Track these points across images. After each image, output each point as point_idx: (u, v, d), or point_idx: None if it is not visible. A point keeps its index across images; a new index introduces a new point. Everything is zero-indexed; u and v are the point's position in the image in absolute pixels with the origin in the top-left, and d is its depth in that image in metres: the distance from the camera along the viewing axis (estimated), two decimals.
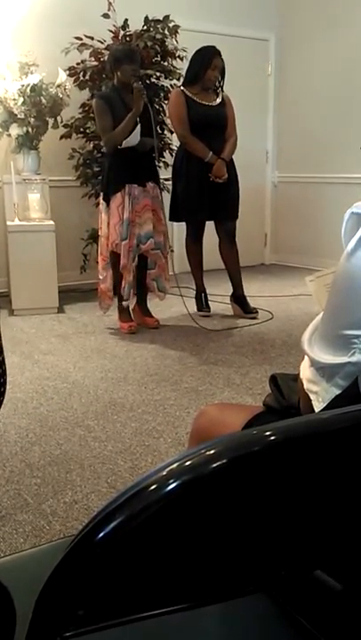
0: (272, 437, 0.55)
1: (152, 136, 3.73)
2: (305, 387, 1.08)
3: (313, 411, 1.06)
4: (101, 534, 0.51)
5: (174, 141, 4.48)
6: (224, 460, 0.52)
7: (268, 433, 0.55)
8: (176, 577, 0.56)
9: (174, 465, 0.52)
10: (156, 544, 0.53)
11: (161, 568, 0.55)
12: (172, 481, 0.51)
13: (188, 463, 0.52)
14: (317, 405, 1.05)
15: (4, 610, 0.60)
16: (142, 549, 0.53)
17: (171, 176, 4.31)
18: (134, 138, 3.70)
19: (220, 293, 4.56)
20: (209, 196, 4.11)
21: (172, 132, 4.51)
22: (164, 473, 0.52)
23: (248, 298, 4.38)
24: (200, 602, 0.59)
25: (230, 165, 4.16)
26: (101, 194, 3.97)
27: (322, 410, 1.05)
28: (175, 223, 4.52)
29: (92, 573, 0.53)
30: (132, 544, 0.52)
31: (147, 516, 0.51)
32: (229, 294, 4.43)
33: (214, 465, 0.52)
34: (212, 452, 0.53)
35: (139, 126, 3.70)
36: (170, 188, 4.32)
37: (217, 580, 0.58)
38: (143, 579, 0.54)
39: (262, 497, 0.57)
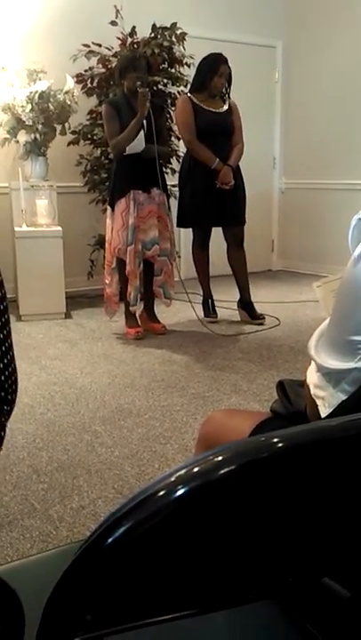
0: (280, 444, 0.55)
1: (158, 143, 3.74)
2: (312, 392, 1.09)
3: (320, 416, 1.06)
4: (110, 540, 0.52)
5: (181, 148, 4.49)
6: (232, 467, 0.52)
7: (275, 440, 0.55)
8: (183, 583, 0.56)
9: (182, 471, 0.52)
10: (164, 550, 0.54)
11: (169, 574, 0.55)
12: (180, 487, 0.51)
13: (196, 469, 0.52)
14: (324, 411, 1.05)
15: (13, 614, 0.60)
16: (150, 555, 0.53)
17: (178, 182, 4.33)
18: (139, 144, 3.72)
19: (227, 299, 4.56)
20: (215, 203, 4.12)
21: (179, 139, 4.52)
22: (173, 479, 0.52)
23: (255, 304, 4.38)
24: (207, 608, 0.60)
25: (237, 172, 4.16)
26: (107, 200, 3.99)
27: (328, 415, 1.05)
28: (182, 229, 4.53)
29: (101, 579, 0.53)
30: (141, 550, 0.53)
31: (155, 522, 0.51)
32: (236, 300, 4.43)
33: (222, 471, 0.52)
34: (220, 458, 0.53)
35: (142, 133, 3.72)
36: (177, 194, 4.34)
37: (224, 587, 0.58)
38: (151, 584, 0.54)
39: (270, 503, 0.57)
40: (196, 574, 0.57)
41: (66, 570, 0.55)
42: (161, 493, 0.52)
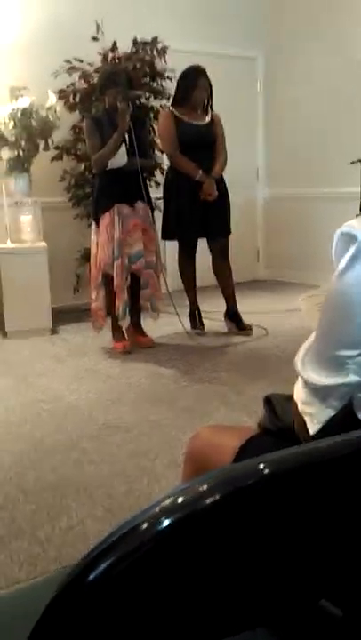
0: (266, 470, 0.53)
1: (141, 156, 3.75)
2: (299, 408, 1.07)
3: (308, 432, 1.05)
4: (92, 575, 0.50)
5: (165, 161, 4.50)
6: (217, 496, 0.51)
7: (261, 466, 0.54)
8: (171, 617, 0.54)
9: (166, 502, 0.51)
10: (149, 584, 0.52)
11: (155, 608, 0.53)
12: (164, 518, 0.50)
13: (180, 500, 0.51)
14: (312, 427, 1.04)
15: None
16: (135, 590, 0.51)
17: (162, 195, 4.33)
18: (120, 158, 3.72)
19: (214, 310, 4.56)
20: (200, 214, 4.12)
21: (162, 152, 4.53)
22: (157, 510, 0.50)
23: (242, 314, 4.38)
24: None
25: (220, 183, 4.18)
26: (92, 214, 3.98)
27: (317, 431, 1.04)
28: (167, 241, 4.53)
29: (84, 615, 0.51)
30: (124, 585, 0.51)
31: (139, 555, 0.50)
32: (223, 311, 4.42)
33: (207, 501, 0.51)
34: (204, 487, 0.51)
35: (123, 147, 3.72)
36: (161, 207, 4.34)
37: (214, 618, 0.57)
38: (136, 620, 0.53)
39: (259, 531, 0.55)
40: (184, 607, 0.55)
41: (48, 605, 0.53)
42: (145, 526, 0.50)
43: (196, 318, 4.42)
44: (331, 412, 1.01)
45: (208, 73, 4.14)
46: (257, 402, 3.09)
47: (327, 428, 1.01)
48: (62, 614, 0.52)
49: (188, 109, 4.14)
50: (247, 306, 4.77)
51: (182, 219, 4.16)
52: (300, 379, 1.08)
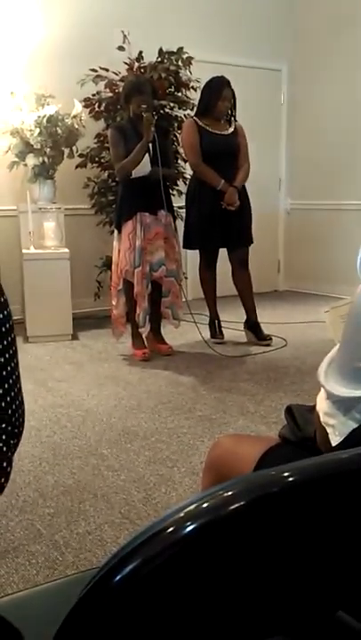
0: (290, 478, 0.54)
1: (164, 165, 3.78)
2: (321, 420, 1.07)
3: (330, 444, 1.05)
4: (117, 578, 0.51)
5: (187, 170, 4.52)
6: (242, 502, 0.51)
7: (286, 474, 0.54)
8: (193, 621, 0.55)
9: (191, 507, 0.51)
10: (173, 587, 0.53)
11: (177, 612, 0.54)
12: (189, 523, 0.50)
13: (205, 505, 0.51)
14: (334, 439, 1.04)
15: None
16: (158, 593, 0.52)
17: (184, 204, 4.35)
18: (144, 167, 3.75)
19: (233, 320, 4.56)
20: (221, 224, 4.13)
21: (185, 161, 4.56)
22: (182, 515, 0.51)
23: (261, 324, 4.38)
24: None
25: (242, 193, 4.19)
26: (114, 222, 4.01)
27: (339, 443, 1.03)
28: (188, 250, 4.54)
29: (109, 617, 0.52)
30: (149, 587, 0.52)
31: (164, 559, 0.50)
32: (243, 321, 4.42)
33: (232, 507, 0.51)
34: (229, 493, 0.52)
35: (147, 156, 3.75)
36: (183, 216, 4.36)
37: (235, 624, 0.57)
38: (159, 623, 0.53)
39: (282, 539, 0.56)
40: (207, 611, 0.55)
41: (73, 607, 0.54)
42: (170, 530, 0.51)
43: (215, 327, 4.42)
44: (353, 425, 1.01)
45: (233, 84, 4.16)
46: (276, 412, 3.10)
47: (349, 441, 1.01)
48: (87, 616, 0.52)
49: (212, 119, 4.16)
50: (267, 317, 4.77)
51: (204, 228, 4.18)
52: (322, 390, 1.08)
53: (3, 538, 1.99)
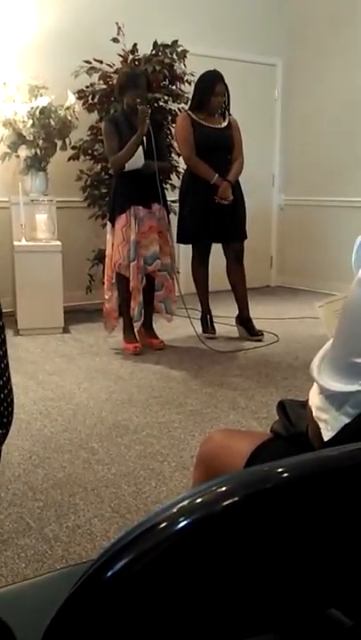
0: (285, 474, 0.53)
1: (158, 158, 3.76)
2: (314, 414, 1.07)
3: (322, 439, 1.04)
4: (110, 572, 0.50)
5: (181, 164, 4.51)
6: (235, 498, 0.51)
7: (280, 469, 0.53)
8: (186, 616, 0.54)
9: (185, 502, 0.51)
10: (165, 583, 0.52)
11: (171, 607, 0.53)
12: (182, 519, 0.50)
13: (198, 500, 0.51)
14: (327, 434, 1.03)
15: None
16: (152, 588, 0.51)
17: (178, 198, 4.34)
18: (138, 160, 3.73)
19: (225, 315, 4.55)
20: (215, 219, 4.12)
21: (179, 155, 4.54)
22: (175, 510, 0.50)
23: (253, 320, 4.37)
24: None
25: (236, 187, 4.18)
26: (107, 215, 3.99)
27: (331, 438, 1.03)
28: (181, 245, 4.53)
29: (101, 612, 0.52)
30: (142, 583, 0.51)
31: (157, 554, 0.50)
32: (235, 316, 4.42)
33: (226, 503, 0.51)
34: (223, 489, 0.51)
35: (140, 149, 3.73)
36: (177, 210, 4.34)
37: (228, 620, 0.56)
38: (152, 618, 0.53)
39: (275, 534, 0.55)
40: (199, 607, 0.55)
41: (65, 601, 0.53)
42: (163, 525, 0.50)
43: (207, 322, 4.42)
44: (346, 420, 1.01)
45: (227, 78, 4.14)
46: (267, 408, 3.10)
47: (342, 436, 1.00)
48: (79, 610, 0.52)
49: (206, 114, 4.14)
50: (259, 312, 4.77)
51: (197, 223, 4.16)
52: (315, 385, 1.07)
53: None
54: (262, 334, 4.31)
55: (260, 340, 4.25)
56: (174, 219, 4.27)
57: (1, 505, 2.13)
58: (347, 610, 0.88)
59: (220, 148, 4.13)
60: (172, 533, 0.50)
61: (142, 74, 4.11)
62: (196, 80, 4.26)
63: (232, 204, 4.11)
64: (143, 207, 3.83)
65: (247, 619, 0.57)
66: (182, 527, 0.50)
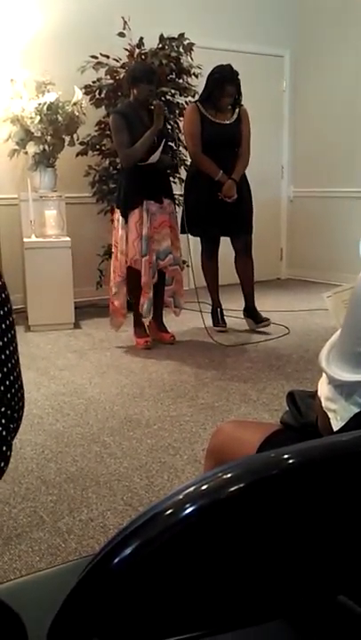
0: (291, 460, 0.53)
1: (167, 153, 3.75)
2: (323, 405, 1.07)
3: (331, 429, 1.04)
4: (117, 560, 0.50)
5: (188, 157, 4.49)
6: (241, 484, 0.51)
7: (286, 456, 0.54)
8: (193, 603, 0.55)
9: (191, 489, 0.51)
10: (172, 569, 0.52)
11: (177, 594, 0.53)
12: (188, 505, 0.50)
13: (204, 487, 0.51)
14: (336, 424, 1.03)
15: (16, 637, 0.59)
16: (158, 575, 0.52)
17: (183, 192, 4.32)
18: (155, 154, 3.71)
19: (236, 308, 4.55)
20: (220, 212, 4.11)
21: (186, 148, 4.53)
22: (181, 497, 0.51)
23: (264, 313, 4.37)
24: (218, 629, 0.58)
25: (242, 181, 4.16)
26: (117, 209, 3.95)
27: (340, 428, 1.03)
28: (192, 238, 4.51)
29: (108, 599, 0.52)
30: (148, 569, 0.51)
31: (164, 540, 0.50)
32: (242, 309, 4.42)
33: (232, 489, 0.51)
34: (229, 475, 0.52)
35: (162, 144, 3.71)
36: (182, 201, 4.33)
37: (235, 607, 0.57)
38: (159, 605, 0.53)
39: (281, 521, 0.55)
40: (206, 594, 0.55)
41: (72, 589, 0.54)
42: (169, 512, 0.50)
43: (218, 315, 4.41)
44: (355, 409, 1.01)
45: (235, 69, 4.10)
46: (278, 400, 3.09)
47: (351, 425, 1.00)
48: (87, 598, 0.52)
49: (215, 109, 4.12)
50: (269, 305, 4.76)
51: (201, 215, 4.15)
52: (324, 375, 1.07)
53: (6, 525, 1.99)
54: (268, 320, 4.30)
55: (266, 326, 4.25)
56: (179, 211, 4.25)
57: (15, 499, 2.15)
58: (356, 597, 0.88)
59: (227, 144, 4.12)
60: (178, 520, 0.50)
61: (157, 71, 4.09)
62: (205, 72, 4.23)
63: (238, 199, 4.10)
64: (155, 202, 3.82)
65: (254, 605, 0.57)
66: (188, 514, 0.50)
